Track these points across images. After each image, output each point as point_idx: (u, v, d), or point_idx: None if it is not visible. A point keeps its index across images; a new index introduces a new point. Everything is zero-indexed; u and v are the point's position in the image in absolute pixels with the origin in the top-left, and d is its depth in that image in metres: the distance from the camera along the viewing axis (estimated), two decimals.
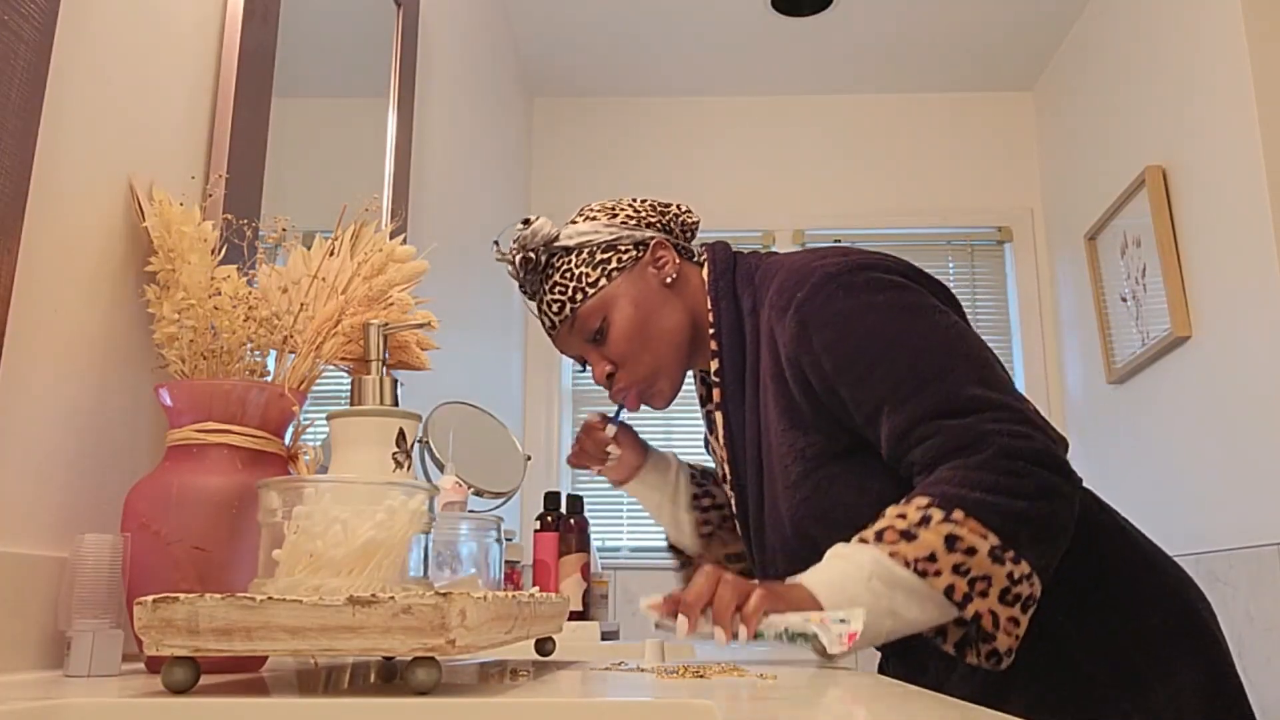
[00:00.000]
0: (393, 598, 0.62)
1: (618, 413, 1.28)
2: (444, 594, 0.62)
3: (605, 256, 1.18)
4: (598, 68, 3.60)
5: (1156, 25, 2.73)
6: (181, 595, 0.64)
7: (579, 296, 1.18)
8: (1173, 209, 2.64)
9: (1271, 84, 2.25)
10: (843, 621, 0.87)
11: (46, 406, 0.90)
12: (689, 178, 3.71)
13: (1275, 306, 2.19)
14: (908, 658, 1.11)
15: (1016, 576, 0.88)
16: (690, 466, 1.34)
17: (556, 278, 1.19)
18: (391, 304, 1.01)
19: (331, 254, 1.00)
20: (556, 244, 1.19)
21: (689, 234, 1.27)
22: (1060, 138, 3.47)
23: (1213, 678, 1.01)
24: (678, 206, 1.26)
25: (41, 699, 0.60)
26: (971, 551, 0.87)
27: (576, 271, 1.18)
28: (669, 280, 1.19)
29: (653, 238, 1.20)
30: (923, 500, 0.90)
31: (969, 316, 1.10)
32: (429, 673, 0.62)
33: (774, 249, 3.63)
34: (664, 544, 1.37)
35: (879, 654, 1.17)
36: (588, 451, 1.30)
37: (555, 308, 1.19)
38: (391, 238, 1.03)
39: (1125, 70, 2.93)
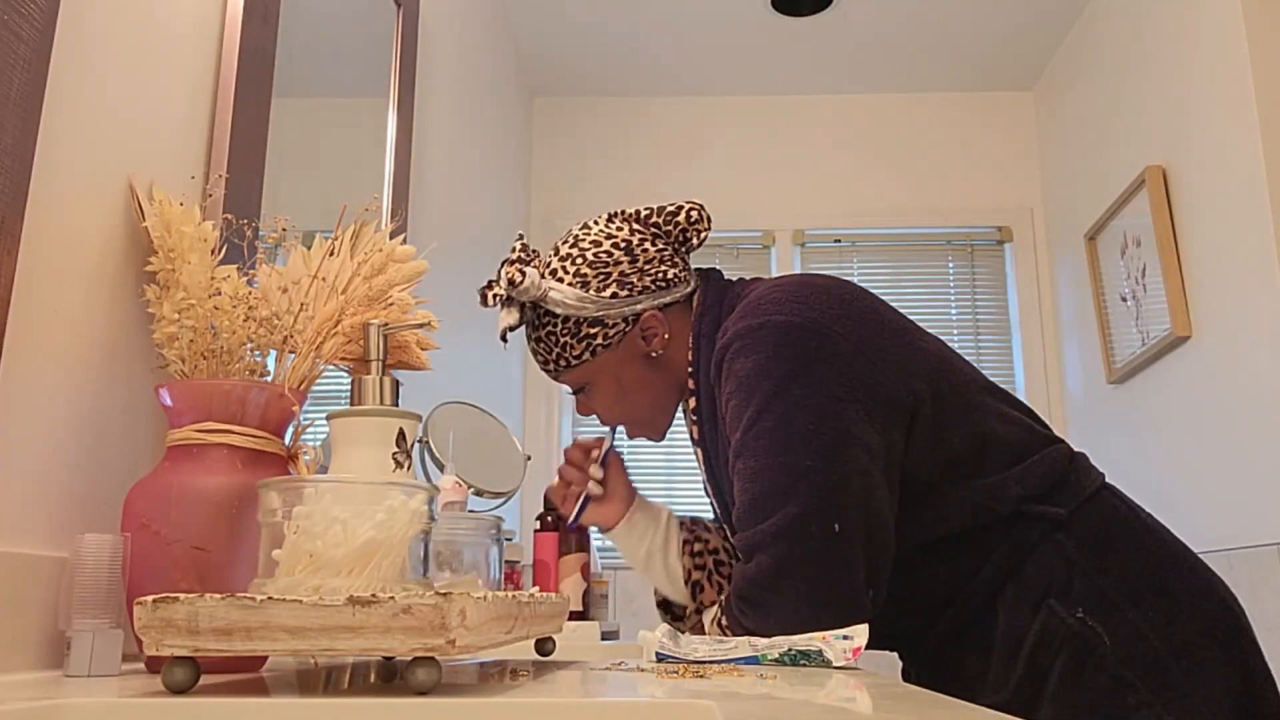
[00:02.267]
0: (393, 598, 0.62)
1: (613, 433, 1.25)
2: (444, 594, 0.62)
3: (592, 332, 1.16)
4: (598, 68, 3.60)
5: (1156, 25, 2.73)
6: (181, 595, 0.64)
7: (563, 363, 1.18)
8: (1173, 209, 2.64)
9: (1271, 84, 2.25)
10: (846, 638, 0.88)
11: (46, 406, 0.90)
12: (689, 178, 3.71)
13: (1275, 306, 2.19)
14: (937, 667, 1.10)
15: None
16: (681, 518, 1.30)
17: (542, 334, 1.17)
18: (391, 304, 1.01)
19: (331, 254, 1.00)
20: (543, 305, 1.16)
21: (695, 244, 1.23)
22: (1060, 138, 3.47)
23: (1248, 680, 0.99)
24: (686, 216, 1.20)
25: (41, 699, 0.60)
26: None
27: (561, 340, 1.16)
28: (656, 354, 1.17)
29: (644, 309, 1.16)
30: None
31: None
32: (429, 673, 0.62)
33: (773, 249, 3.65)
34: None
35: (901, 663, 1.17)
36: (574, 464, 1.26)
37: (540, 360, 1.20)
38: (391, 238, 1.03)
39: (1125, 70, 2.93)
